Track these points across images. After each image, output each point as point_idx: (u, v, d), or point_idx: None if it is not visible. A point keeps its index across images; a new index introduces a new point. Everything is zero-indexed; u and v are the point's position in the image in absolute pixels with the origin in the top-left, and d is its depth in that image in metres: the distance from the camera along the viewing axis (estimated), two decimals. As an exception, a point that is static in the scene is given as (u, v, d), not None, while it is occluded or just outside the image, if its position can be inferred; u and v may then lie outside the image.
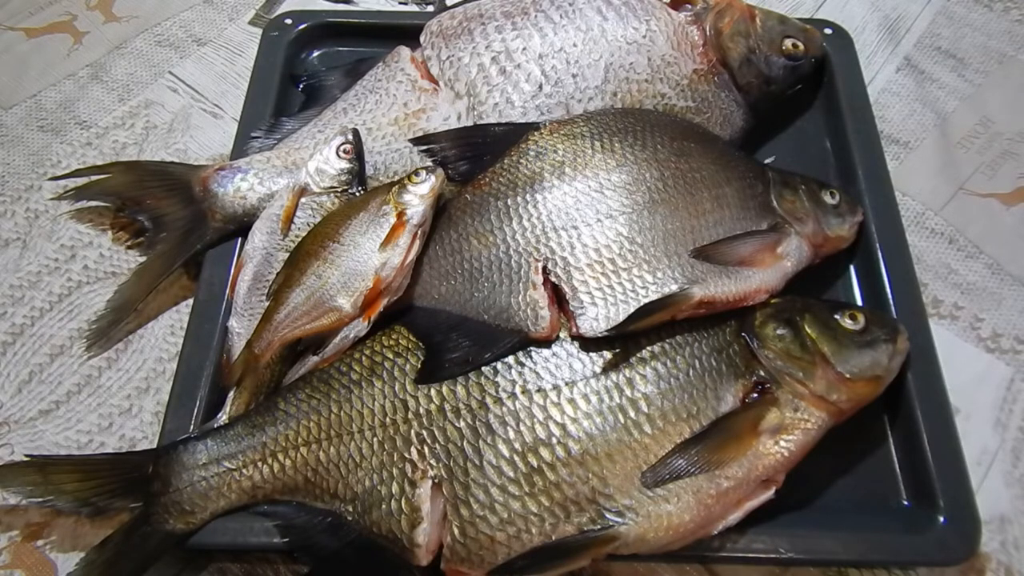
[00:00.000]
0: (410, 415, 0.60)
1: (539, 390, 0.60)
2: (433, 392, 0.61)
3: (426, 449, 0.59)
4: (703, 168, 0.68)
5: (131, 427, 0.70)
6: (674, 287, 0.62)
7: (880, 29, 0.97)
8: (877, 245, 0.72)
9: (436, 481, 0.58)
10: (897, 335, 0.63)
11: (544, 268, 0.64)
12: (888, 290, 0.70)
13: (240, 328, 0.68)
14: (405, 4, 1.00)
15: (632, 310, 0.60)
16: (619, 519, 0.55)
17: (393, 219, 0.66)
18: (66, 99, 0.91)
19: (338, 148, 0.72)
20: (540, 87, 0.74)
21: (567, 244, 0.64)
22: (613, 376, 0.60)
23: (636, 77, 0.75)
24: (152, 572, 0.59)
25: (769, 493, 0.58)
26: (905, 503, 0.64)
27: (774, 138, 0.84)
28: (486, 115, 0.74)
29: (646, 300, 0.61)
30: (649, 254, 0.63)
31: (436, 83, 0.77)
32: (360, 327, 0.65)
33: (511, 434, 0.58)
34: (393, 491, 0.58)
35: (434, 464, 0.58)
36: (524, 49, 0.75)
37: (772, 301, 0.64)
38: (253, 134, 0.79)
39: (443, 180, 0.68)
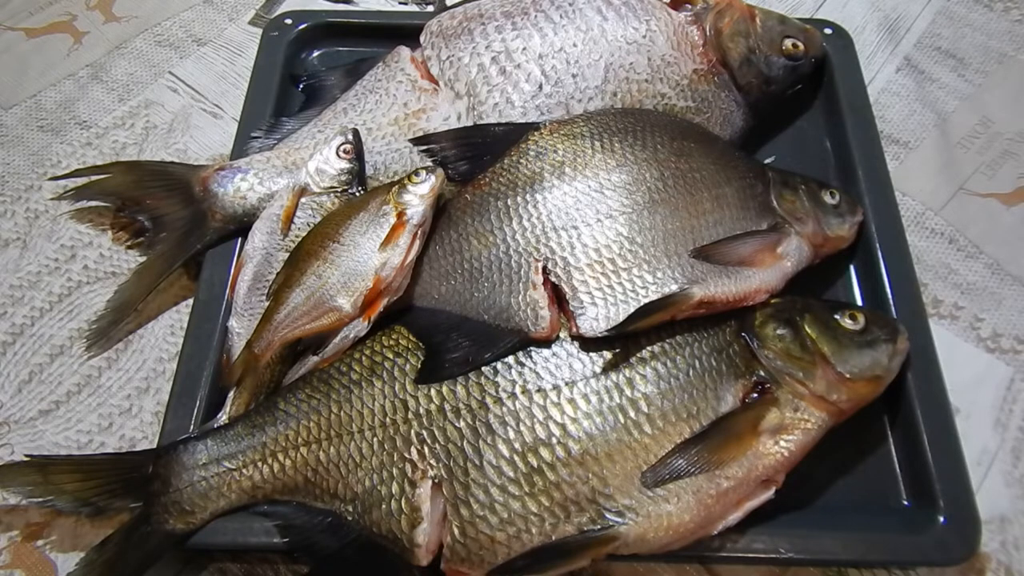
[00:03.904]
0: (410, 415, 0.60)
1: (539, 390, 0.60)
2: (433, 392, 0.61)
3: (426, 449, 0.59)
4: (703, 168, 0.68)
5: (131, 427, 0.70)
6: (674, 287, 0.62)
7: (880, 29, 0.97)
8: (877, 245, 0.72)
9: (436, 481, 0.58)
10: (897, 335, 0.63)
11: (544, 268, 0.64)
12: (888, 290, 0.70)
13: (240, 328, 0.68)
14: (405, 4, 1.00)
15: (632, 310, 0.60)
16: (619, 519, 0.55)
17: (393, 219, 0.66)
18: (66, 99, 0.91)
19: (338, 148, 0.72)
20: (540, 87, 0.74)
21: (567, 244, 0.64)
22: (613, 376, 0.60)
23: (636, 77, 0.75)
24: (152, 572, 0.59)
25: (769, 493, 0.58)
26: (905, 503, 0.64)
27: (774, 138, 0.84)
28: (486, 115, 0.74)
29: (646, 300, 0.61)
30: (649, 254, 0.63)
31: (436, 83, 0.77)
32: (360, 327, 0.65)
33: (511, 434, 0.58)
34: (393, 491, 0.58)
35: (434, 464, 0.58)
36: (524, 49, 0.75)
37: (772, 301, 0.64)
38: (253, 134, 0.79)
39: (443, 180, 0.68)
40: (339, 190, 0.71)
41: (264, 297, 0.67)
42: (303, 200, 0.71)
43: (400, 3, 1.00)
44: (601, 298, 0.62)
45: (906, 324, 0.65)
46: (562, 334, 0.62)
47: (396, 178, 0.71)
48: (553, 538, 0.56)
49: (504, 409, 0.59)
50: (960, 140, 0.88)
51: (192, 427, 0.64)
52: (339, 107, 0.79)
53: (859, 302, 0.73)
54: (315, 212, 0.71)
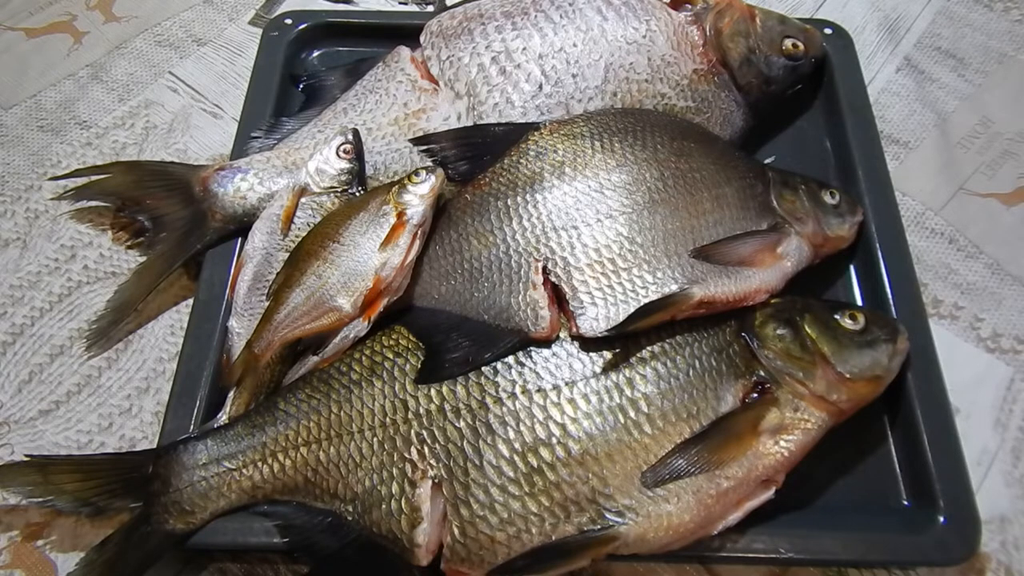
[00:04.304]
0: (410, 415, 0.60)
1: (539, 390, 0.60)
2: (433, 392, 0.61)
3: (426, 449, 0.59)
4: (703, 168, 0.68)
5: (131, 427, 0.70)
6: (674, 287, 0.62)
7: (880, 29, 0.97)
8: (877, 245, 0.72)
9: (436, 481, 0.58)
10: (897, 335, 0.63)
11: (544, 268, 0.64)
12: (888, 290, 0.70)
13: (240, 328, 0.68)
14: (405, 4, 1.00)
15: (632, 310, 0.60)
16: (619, 519, 0.55)
17: (393, 219, 0.66)
18: (66, 99, 0.91)
19: (338, 148, 0.72)
20: (540, 87, 0.74)
21: (567, 244, 0.64)
22: (613, 376, 0.60)
23: (636, 77, 0.75)
24: (152, 572, 0.59)
25: (769, 493, 0.58)
26: (905, 503, 0.64)
27: (774, 138, 0.84)
28: (486, 115, 0.74)
29: (646, 300, 0.61)
30: (649, 254, 0.63)
31: (436, 83, 0.77)
32: (360, 327, 0.65)
33: (511, 434, 0.58)
34: (393, 491, 0.58)
35: (434, 464, 0.58)
36: (524, 49, 0.75)
37: (772, 301, 0.64)
38: (253, 134, 0.79)
39: (443, 180, 0.68)
40: (339, 190, 0.71)
41: (264, 297, 0.67)
42: (303, 200, 0.71)
43: (400, 3, 1.00)
44: (601, 298, 0.62)
45: (906, 324, 0.65)
46: (562, 334, 0.62)
47: (396, 178, 0.71)
48: (553, 538, 0.56)
49: (504, 409, 0.59)
50: (960, 140, 0.88)
51: (192, 427, 0.64)
52: (339, 107, 0.79)
53: (859, 302, 0.73)
54: (315, 212, 0.71)
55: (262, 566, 0.64)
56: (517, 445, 0.58)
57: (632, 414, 0.58)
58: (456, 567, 0.57)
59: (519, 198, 0.67)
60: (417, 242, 0.66)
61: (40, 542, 0.65)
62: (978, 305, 0.77)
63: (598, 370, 0.60)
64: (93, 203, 0.80)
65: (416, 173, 0.68)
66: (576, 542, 0.55)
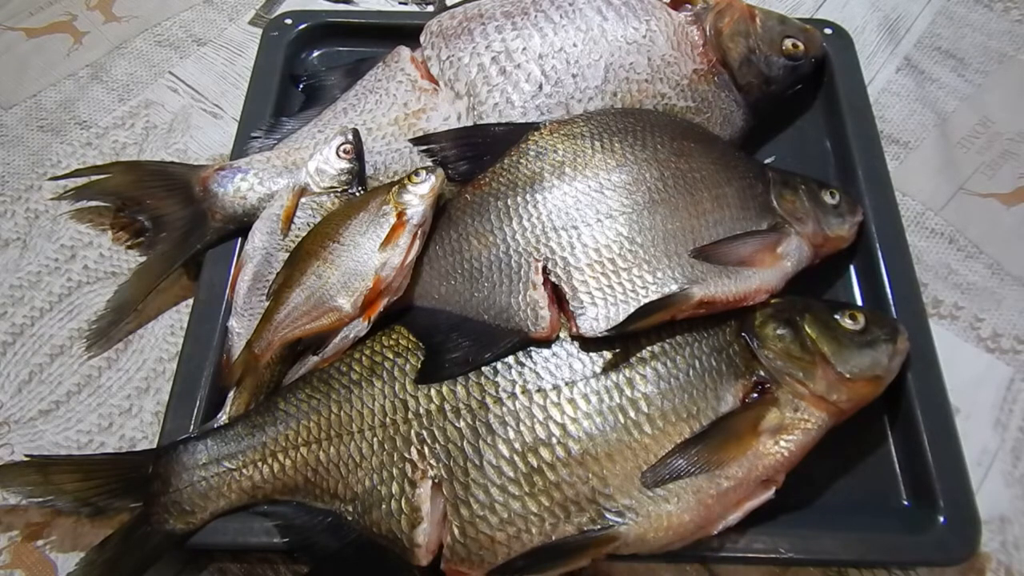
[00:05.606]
0: (410, 415, 0.60)
1: (539, 390, 0.60)
2: (433, 392, 0.61)
3: (426, 449, 0.59)
4: (703, 168, 0.68)
5: (131, 427, 0.70)
6: (674, 287, 0.62)
7: (880, 29, 0.97)
8: (877, 245, 0.72)
9: (436, 481, 0.58)
10: (897, 335, 0.63)
11: (544, 268, 0.64)
12: (888, 290, 0.70)
13: (240, 328, 0.68)
14: (405, 4, 1.00)
15: (632, 310, 0.60)
16: (619, 519, 0.55)
17: (393, 219, 0.66)
18: (66, 99, 0.91)
19: (338, 148, 0.72)
20: (540, 87, 0.74)
21: (567, 244, 0.64)
22: (613, 376, 0.60)
23: (636, 77, 0.75)
24: (152, 572, 0.59)
25: (769, 493, 0.58)
26: (905, 503, 0.64)
27: (774, 138, 0.84)
28: (486, 115, 0.74)
29: (646, 300, 0.61)
30: (649, 254, 0.63)
31: (436, 83, 0.77)
32: (360, 327, 0.65)
33: (511, 434, 0.58)
34: (393, 491, 0.58)
35: (434, 464, 0.58)
36: (524, 49, 0.75)
37: (772, 301, 0.64)
38: (253, 134, 0.79)
39: (443, 180, 0.68)
40: (339, 190, 0.71)
41: (264, 297, 0.67)
42: (303, 200, 0.71)
43: (400, 3, 1.00)
44: (601, 298, 0.62)
45: (906, 324, 0.65)
46: (562, 334, 0.62)
47: (396, 178, 0.71)
48: (553, 538, 0.56)
49: (504, 409, 0.59)
50: (960, 140, 0.88)
51: (192, 427, 0.64)
52: (339, 107, 0.79)
53: (859, 302, 0.73)
54: (315, 212, 0.71)
55: (262, 566, 0.64)
56: (517, 445, 0.58)
57: (632, 414, 0.58)
58: (456, 567, 0.57)
59: (519, 198, 0.67)
60: (417, 242, 0.66)
61: (40, 542, 0.65)
62: (978, 305, 0.77)
63: (598, 370, 0.60)
64: (93, 203, 0.80)
65: (416, 173, 0.68)
66: (576, 542, 0.55)
